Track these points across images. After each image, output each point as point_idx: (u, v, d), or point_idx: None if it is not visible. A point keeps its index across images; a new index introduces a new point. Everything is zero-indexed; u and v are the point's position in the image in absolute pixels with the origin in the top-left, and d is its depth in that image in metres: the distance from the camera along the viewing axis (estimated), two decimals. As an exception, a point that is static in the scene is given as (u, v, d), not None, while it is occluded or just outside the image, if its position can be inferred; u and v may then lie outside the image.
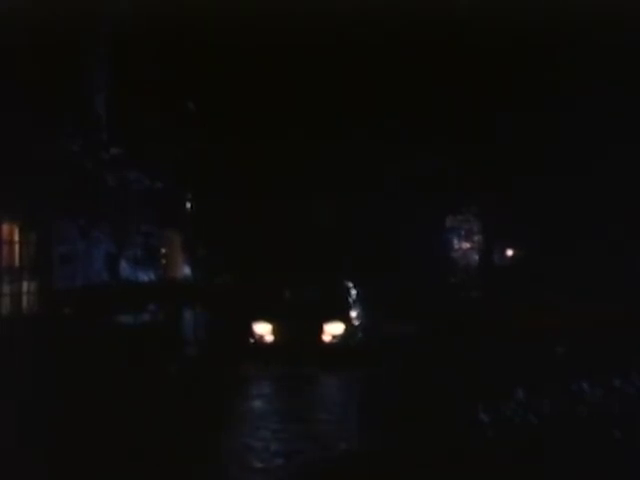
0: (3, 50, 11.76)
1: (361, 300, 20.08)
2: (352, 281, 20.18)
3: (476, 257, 25.68)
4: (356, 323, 18.25)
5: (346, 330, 16.81)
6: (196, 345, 17.15)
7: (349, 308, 18.04)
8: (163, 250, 18.19)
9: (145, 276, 17.11)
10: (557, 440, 7.85)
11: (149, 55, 15.90)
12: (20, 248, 13.17)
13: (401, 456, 8.52)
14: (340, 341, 16.64)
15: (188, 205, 19.01)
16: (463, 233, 26.52)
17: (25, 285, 13.31)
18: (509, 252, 25.95)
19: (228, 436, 10.04)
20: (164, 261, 18.29)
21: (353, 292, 19.74)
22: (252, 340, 16.74)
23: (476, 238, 25.94)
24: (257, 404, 12.42)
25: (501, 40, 18.66)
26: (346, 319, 17.16)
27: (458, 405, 10.20)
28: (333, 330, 16.65)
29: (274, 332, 16.64)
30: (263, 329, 16.72)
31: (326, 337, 16.59)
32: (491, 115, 20.77)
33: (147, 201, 15.34)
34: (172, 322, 16.49)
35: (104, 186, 14.19)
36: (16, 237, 13.10)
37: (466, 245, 26.60)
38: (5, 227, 12.75)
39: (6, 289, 12.80)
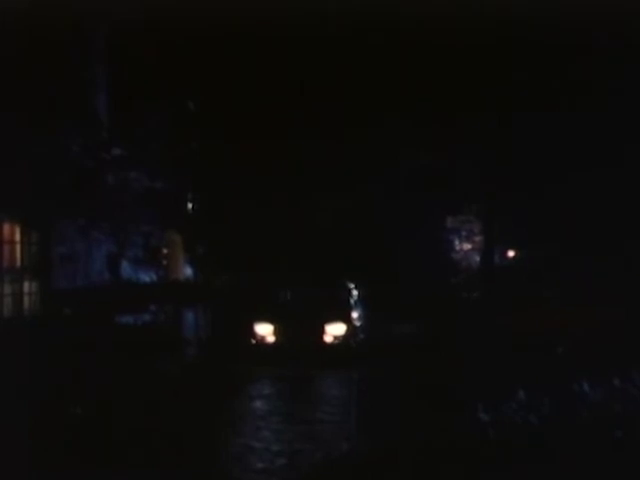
0: (3, 50, 11.77)
1: (362, 300, 20.09)
2: (353, 282, 20.18)
3: (477, 258, 25.65)
4: (357, 324, 18.27)
5: (347, 330, 16.83)
6: (197, 345, 17.16)
7: (350, 309, 18.07)
8: (164, 250, 18.19)
9: (146, 276, 17.11)
10: (557, 440, 7.85)
11: (149, 54, 15.90)
12: (21, 248, 13.18)
13: (401, 456, 8.52)
14: (341, 341, 16.66)
15: (188, 205, 19.00)
16: (464, 234, 26.51)
17: (26, 285, 13.31)
18: (510, 253, 25.93)
19: (229, 436, 10.05)
20: (165, 261, 18.29)
21: (354, 293, 19.74)
22: (253, 341, 16.75)
23: (477, 239, 25.92)
24: (258, 404, 12.43)
25: (503, 39, 18.64)
26: (347, 320, 17.17)
27: (458, 405, 10.20)
28: (334, 331, 16.67)
29: (275, 333, 16.66)
30: (264, 330, 16.74)
31: (327, 338, 16.61)
32: (492, 115, 20.75)
33: (147, 201, 15.33)
34: (173, 322, 16.50)
35: (104, 186, 14.18)
36: (17, 237, 13.10)
37: (467, 246, 26.59)
38: (6, 227, 12.76)
39: (7, 289, 12.81)
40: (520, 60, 19.38)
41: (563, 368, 11.37)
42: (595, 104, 19.22)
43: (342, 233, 22.11)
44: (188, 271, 19.87)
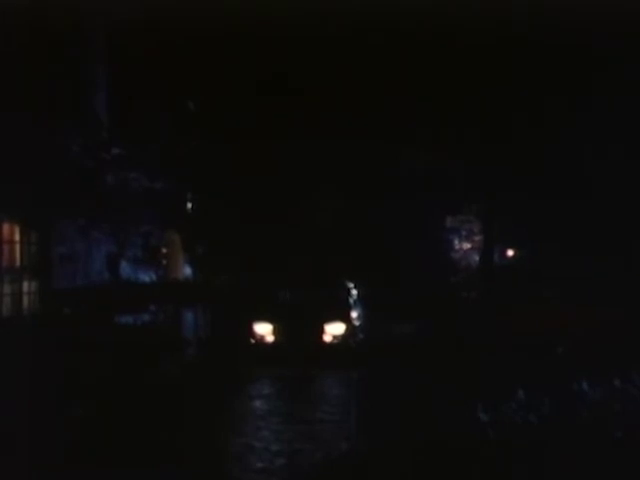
0: (3, 49, 11.77)
1: (362, 300, 20.10)
2: (353, 281, 20.19)
3: (476, 257, 25.66)
4: (357, 323, 18.28)
5: (347, 330, 16.83)
6: (197, 345, 17.16)
7: (349, 308, 18.07)
8: (164, 250, 18.19)
9: (145, 276, 17.11)
10: (557, 440, 7.85)
11: (149, 54, 15.90)
12: (21, 248, 13.18)
13: (401, 456, 8.52)
14: (341, 341, 16.66)
15: (188, 205, 19.00)
16: (464, 233, 26.53)
17: (26, 285, 13.31)
18: (509, 252, 25.95)
19: (229, 436, 10.05)
20: (165, 261, 18.29)
21: (354, 292, 19.75)
22: (253, 340, 16.76)
23: (477, 238, 25.93)
24: (258, 404, 12.43)
25: (503, 39, 18.64)
26: (346, 319, 17.18)
27: (458, 405, 10.20)
28: (334, 330, 16.68)
29: (275, 332, 16.67)
30: (264, 329, 16.75)
31: (327, 337, 16.62)
32: (492, 115, 20.76)
33: (147, 201, 15.33)
34: (173, 322, 16.50)
35: (104, 186, 14.18)
36: (17, 237, 13.10)
37: (467, 245, 26.61)
38: (5, 227, 12.76)
39: (7, 289, 12.81)
40: (520, 60, 19.38)
41: (563, 368, 11.38)
42: (595, 104, 19.23)
43: (342, 233, 22.12)
44: (188, 271, 19.86)
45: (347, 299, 18.44)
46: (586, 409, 8.43)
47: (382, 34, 18.88)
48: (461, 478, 7.66)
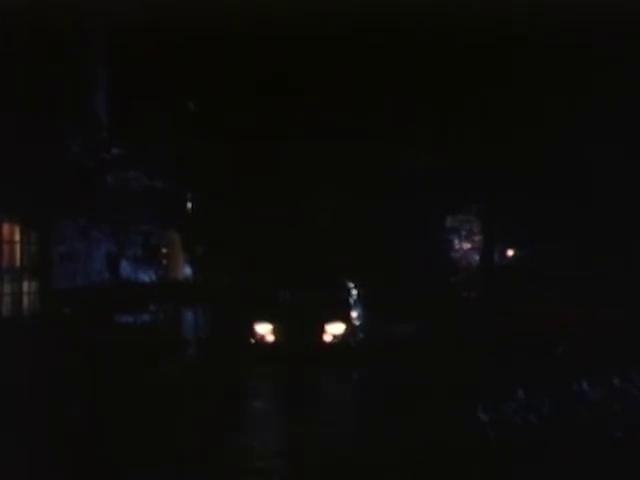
0: (3, 49, 11.78)
1: (362, 300, 20.09)
2: (353, 281, 20.18)
3: (476, 257, 25.63)
4: (357, 323, 18.29)
5: (347, 330, 16.84)
6: (197, 345, 17.16)
7: (349, 308, 18.08)
8: (164, 250, 18.19)
9: (145, 276, 17.11)
10: (557, 440, 7.85)
11: (149, 54, 15.90)
12: (21, 248, 13.18)
13: (401, 456, 8.52)
14: (341, 341, 16.67)
15: (188, 205, 19.00)
16: (464, 233, 26.50)
17: (26, 285, 13.32)
18: (509, 252, 25.92)
19: (229, 436, 10.04)
20: (165, 261, 18.29)
21: (354, 292, 19.75)
22: (253, 340, 16.77)
23: (477, 238, 25.90)
24: (258, 404, 12.42)
25: (503, 39, 18.63)
26: (347, 319, 17.19)
27: (458, 405, 10.20)
28: (334, 330, 16.69)
29: (275, 332, 16.67)
30: (264, 329, 16.75)
31: (327, 337, 16.62)
32: (493, 115, 20.74)
33: (147, 200, 15.33)
34: (173, 322, 16.50)
35: (104, 186, 14.18)
36: (17, 237, 13.11)
37: (467, 245, 26.57)
38: (6, 227, 12.76)
39: (7, 288, 12.81)
40: (520, 60, 19.37)
41: (563, 368, 11.38)
42: (595, 104, 19.23)
43: (342, 233, 22.10)
44: (188, 271, 19.86)
45: (347, 299, 18.44)
46: (586, 409, 8.43)
47: (382, 34, 18.87)
48: (461, 478, 7.66)
